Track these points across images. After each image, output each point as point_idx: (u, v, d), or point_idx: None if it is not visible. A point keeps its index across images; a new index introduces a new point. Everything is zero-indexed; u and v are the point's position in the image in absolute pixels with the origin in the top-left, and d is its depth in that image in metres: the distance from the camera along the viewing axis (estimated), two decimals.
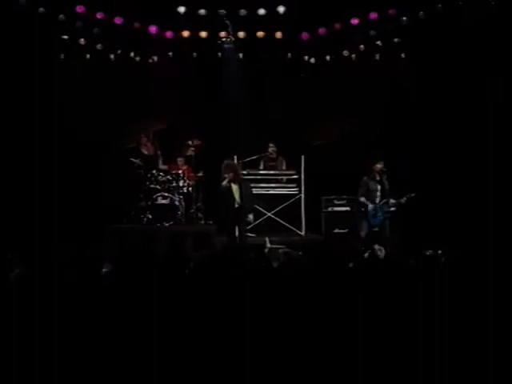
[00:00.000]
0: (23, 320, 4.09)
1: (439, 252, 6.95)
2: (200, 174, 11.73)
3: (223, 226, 10.43)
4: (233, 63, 12.29)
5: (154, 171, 11.66)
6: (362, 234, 10.55)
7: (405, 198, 10.40)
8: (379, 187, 10.59)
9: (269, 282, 4.76)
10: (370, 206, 10.52)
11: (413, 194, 10.35)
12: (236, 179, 9.84)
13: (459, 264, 5.43)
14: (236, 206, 9.86)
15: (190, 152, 11.92)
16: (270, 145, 11.65)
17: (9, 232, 10.05)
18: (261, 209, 11.15)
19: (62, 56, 11.96)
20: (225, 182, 9.80)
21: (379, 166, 10.59)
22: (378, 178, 10.60)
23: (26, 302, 4.31)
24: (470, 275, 4.94)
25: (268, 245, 9.45)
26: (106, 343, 3.97)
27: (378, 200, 10.56)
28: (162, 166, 11.85)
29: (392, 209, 10.53)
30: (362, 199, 10.58)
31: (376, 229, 10.54)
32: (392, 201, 10.47)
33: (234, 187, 9.84)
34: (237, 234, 9.90)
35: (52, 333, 4.01)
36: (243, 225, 9.96)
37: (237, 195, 9.84)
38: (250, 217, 10.06)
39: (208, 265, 5.42)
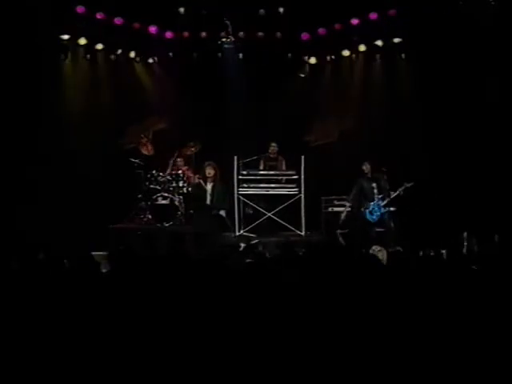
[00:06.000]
0: (23, 318, 4.09)
1: (442, 251, 6.97)
2: (198, 176, 11.71)
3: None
4: (233, 63, 12.29)
5: (154, 171, 11.66)
6: (373, 234, 10.67)
7: (401, 189, 10.50)
8: (375, 185, 10.72)
9: (268, 279, 4.77)
10: (369, 204, 10.66)
11: (410, 184, 10.43)
12: (214, 179, 10.69)
13: (463, 263, 5.44)
14: (208, 203, 10.78)
15: (190, 152, 11.92)
16: (272, 144, 11.63)
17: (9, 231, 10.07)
18: (261, 209, 11.16)
19: (62, 56, 11.97)
20: (196, 180, 11.04)
21: (364, 167, 10.82)
22: (369, 176, 10.79)
23: (26, 300, 4.32)
24: (473, 274, 4.95)
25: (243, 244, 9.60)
26: (106, 342, 3.98)
27: (375, 197, 10.66)
28: (168, 171, 11.76)
29: (392, 209, 10.61)
30: (347, 204, 10.95)
31: (381, 229, 10.63)
32: (393, 194, 10.56)
33: (209, 186, 10.68)
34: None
35: (51, 331, 4.02)
36: (214, 221, 10.64)
37: (209, 193, 10.67)
38: (222, 212, 10.60)
39: (207, 264, 5.43)
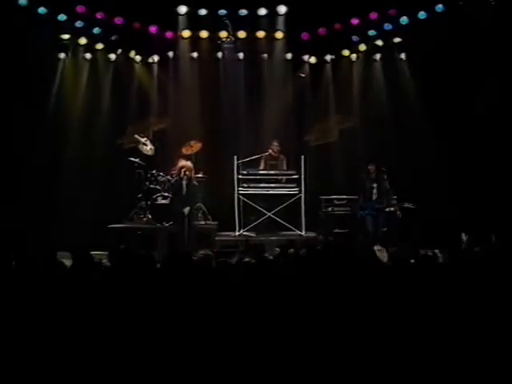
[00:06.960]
0: (22, 317, 4.10)
1: (439, 252, 6.97)
2: (200, 175, 11.71)
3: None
4: (233, 63, 12.29)
5: (154, 171, 11.66)
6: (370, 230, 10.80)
7: (398, 210, 10.79)
8: (375, 185, 10.85)
9: (268, 279, 4.77)
10: (365, 203, 10.83)
11: (409, 205, 10.73)
12: (189, 178, 10.80)
13: (459, 264, 5.44)
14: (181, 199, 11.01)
15: (190, 152, 11.91)
16: (274, 143, 11.61)
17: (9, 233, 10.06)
18: (261, 208, 11.16)
19: (62, 56, 11.98)
20: (177, 177, 11.05)
21: (370, 167, 10.89)
22: (372, 177, 10.86)
23: (26, 299, 4.33)
24: (472, 274, 4.95)
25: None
26: (105, 342, 3.98)
27: (374, 197, 10.81)
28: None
29: (392, 209, 10.75)
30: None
31: (375, 227, 10.74)
32: (393, 201, 10.72)
33: (184, 183, 10.78)
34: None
35: (51, 331, 4.02)
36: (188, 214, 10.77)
37: (184, 191, 10.81)
38: (185, 209, 10.61)
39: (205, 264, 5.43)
